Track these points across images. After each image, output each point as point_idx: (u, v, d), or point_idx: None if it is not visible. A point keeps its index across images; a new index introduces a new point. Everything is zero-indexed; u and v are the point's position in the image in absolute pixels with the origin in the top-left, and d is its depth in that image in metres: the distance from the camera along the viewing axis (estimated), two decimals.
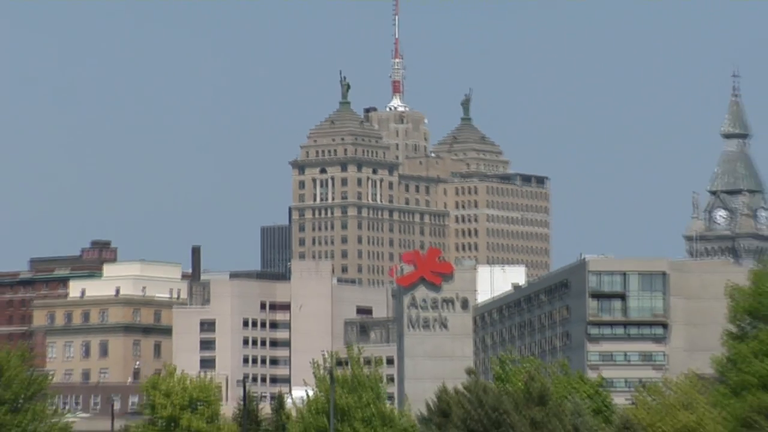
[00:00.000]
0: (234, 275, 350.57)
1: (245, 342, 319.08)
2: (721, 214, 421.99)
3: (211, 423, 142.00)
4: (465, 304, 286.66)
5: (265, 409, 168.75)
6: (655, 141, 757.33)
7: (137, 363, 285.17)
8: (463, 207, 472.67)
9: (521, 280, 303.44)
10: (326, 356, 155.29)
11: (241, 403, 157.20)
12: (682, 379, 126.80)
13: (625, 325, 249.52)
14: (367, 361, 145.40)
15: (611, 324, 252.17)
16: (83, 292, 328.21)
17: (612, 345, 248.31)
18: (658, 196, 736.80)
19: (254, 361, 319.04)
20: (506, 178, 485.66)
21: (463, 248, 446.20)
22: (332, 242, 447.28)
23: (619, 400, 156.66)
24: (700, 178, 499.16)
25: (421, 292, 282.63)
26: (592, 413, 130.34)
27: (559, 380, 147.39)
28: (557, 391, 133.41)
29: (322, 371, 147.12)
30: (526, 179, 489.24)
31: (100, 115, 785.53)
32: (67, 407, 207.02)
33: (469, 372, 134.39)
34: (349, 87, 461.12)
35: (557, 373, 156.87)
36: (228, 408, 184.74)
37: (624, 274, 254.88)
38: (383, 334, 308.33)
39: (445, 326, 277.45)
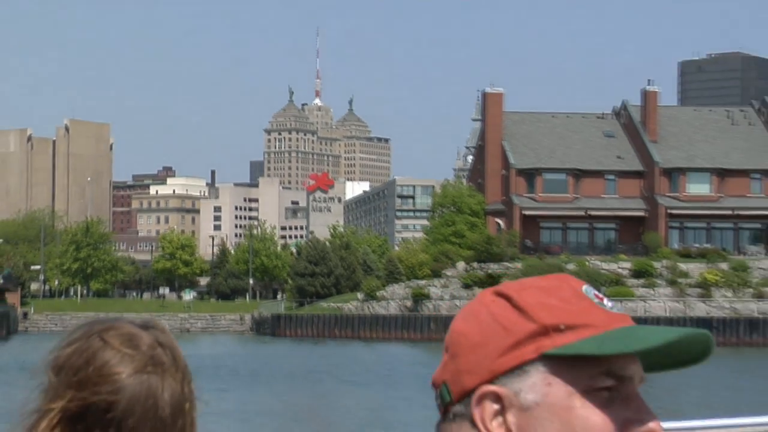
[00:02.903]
0: (235, 185, 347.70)
1: (236, 218, 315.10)
2: (470, 158, 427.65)
3: (192, 256, 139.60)
4: (340, 200, 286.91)
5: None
6: (434, 121, 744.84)
7: (179, 227, 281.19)
8: (348, 153, 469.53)
9: (367, 188, 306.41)
10: (253, 225, 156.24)
11: (219, 248, 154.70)
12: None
13: (414, 211, 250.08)
14: (265, 228, 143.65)
15: (407, 210, 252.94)
16: (157, 192, 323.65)
17: (407, 221, 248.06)
18: (441, 148, 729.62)
19: (240, 227, 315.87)
20: (369, 139, 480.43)
21: (347, 173, 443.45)
22: (283, 169, 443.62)
23: None
24: (462, 139, 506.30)
25: (318, 194, 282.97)
26: (379, 254, 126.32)
27: (365, 238, 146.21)
28: (360, 243, 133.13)
29: (249, 232, 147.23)
30: (380, 140, 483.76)
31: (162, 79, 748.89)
32: (148, 249, 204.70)
33: (311, 233, 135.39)
34: (293, 93, 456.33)
35: (365, 234, 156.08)
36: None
37: (414, 186, 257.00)
38: (303, 214, 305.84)
39: (330, 210, 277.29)
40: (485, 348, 1.28)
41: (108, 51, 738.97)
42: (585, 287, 1.33)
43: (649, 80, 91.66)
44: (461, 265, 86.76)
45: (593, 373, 1.28)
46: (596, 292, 1.34)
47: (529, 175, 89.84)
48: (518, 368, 1.28)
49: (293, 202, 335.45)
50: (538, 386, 1.27)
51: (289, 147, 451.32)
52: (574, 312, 1.30)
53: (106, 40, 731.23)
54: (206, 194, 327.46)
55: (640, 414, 1.28)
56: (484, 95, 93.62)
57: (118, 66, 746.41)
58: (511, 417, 1.26)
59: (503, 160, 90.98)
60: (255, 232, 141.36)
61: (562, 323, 1.29)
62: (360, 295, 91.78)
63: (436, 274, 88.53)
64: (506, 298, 1.32)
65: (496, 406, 1.26)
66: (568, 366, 1.27)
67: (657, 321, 68.70)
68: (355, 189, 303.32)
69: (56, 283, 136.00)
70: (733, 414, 2.13)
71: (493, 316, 1.30)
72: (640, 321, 1.47)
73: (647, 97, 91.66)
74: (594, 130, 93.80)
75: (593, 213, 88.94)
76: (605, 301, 1.33)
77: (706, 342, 1.30)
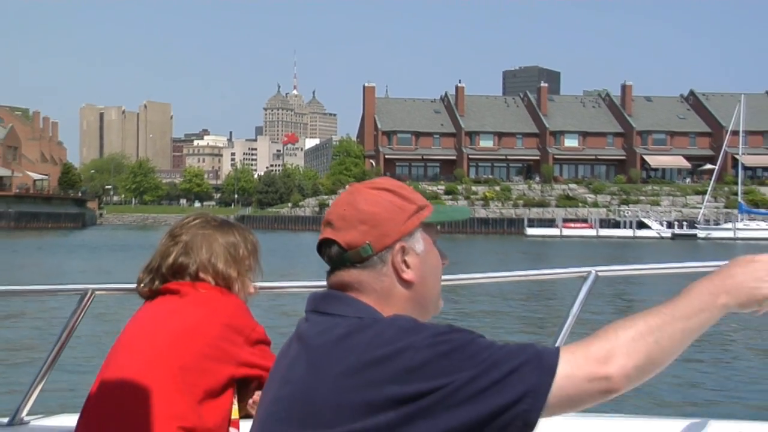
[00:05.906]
0: (245, 140, 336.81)
1: (244, 160, 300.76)
2: None
3: (202, 181, 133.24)
4: (302, 149, 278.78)
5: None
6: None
7: (209, 165, 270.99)
8: (312, 123, 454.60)
9: (318, 143, 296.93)
10: (239, 164, 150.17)
11: (225, 178, 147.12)
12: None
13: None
14: (245, 165, 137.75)
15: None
16: (198, 144, 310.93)
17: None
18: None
19: (246, 165, 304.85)
20: (324, 114, 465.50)
21: (311, 134, 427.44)
22: (273, 132, 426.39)
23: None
24: None
25: (290, 146, 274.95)
26: (312, 181, 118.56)
27: (305, 172, 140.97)
28: (299, 175, 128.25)
29: (236, 167, 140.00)
30: (331, 114, 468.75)
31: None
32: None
33: (268, 171, 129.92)
34: (280, 86, 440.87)
35: (306, 170, 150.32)
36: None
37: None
38: (285, 159, 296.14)
39: (296, 156, 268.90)
40: (393, 221, 1.27)
41: (170, 55, 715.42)
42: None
43: (459, 80, 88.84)
44: (347, 187, 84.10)
45: (435, 230, 1.30)
46: None
47: (389, 134, 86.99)
48: (412, 231, 1.28)
49: (277, 151, 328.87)
50: (420, 241, 1.28)
51: (277, 118, 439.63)
52: (420, 197, 1.32)
53: (169, 48, 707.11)
54: (227, 145, 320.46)
55: (443, 251, 1.32)
56: (364, 87, 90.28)
57: (177, 66, 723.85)
58: (410, 259, 1.26)
59: (375, 126, 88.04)
60: (239, 167, 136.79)
61: (423, 203, 1.30)
62: (290, 205, 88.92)
63: (334, 192, 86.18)
64: (389, 191, 1.33)
65: (402, 254, 1.26)
66: (427, 228, 1.29)
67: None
68: (311, 143, 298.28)
69: (122, 196, 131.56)
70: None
71: (390, 202, 1.29)
72: None
73: (458, 90, 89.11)
74: (428, 109, 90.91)
75: (426, 157, 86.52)
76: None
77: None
